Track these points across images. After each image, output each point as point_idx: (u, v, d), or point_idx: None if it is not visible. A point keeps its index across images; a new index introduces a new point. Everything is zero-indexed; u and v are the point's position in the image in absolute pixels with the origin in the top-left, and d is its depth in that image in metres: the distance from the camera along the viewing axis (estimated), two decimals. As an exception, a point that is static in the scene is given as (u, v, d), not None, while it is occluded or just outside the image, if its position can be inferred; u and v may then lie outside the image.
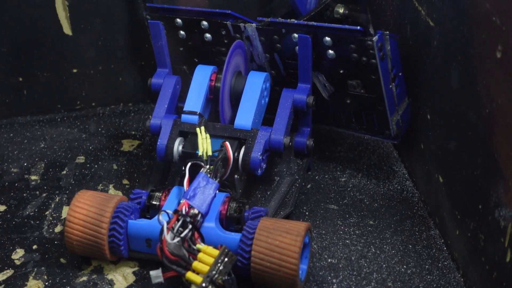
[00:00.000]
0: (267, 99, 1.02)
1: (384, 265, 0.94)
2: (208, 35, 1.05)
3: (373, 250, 0.96)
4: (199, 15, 1.03)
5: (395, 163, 1.11)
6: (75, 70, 1.21)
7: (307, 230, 0.88)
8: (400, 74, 1.02)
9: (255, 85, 0.99)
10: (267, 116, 1.01)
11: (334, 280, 0.92)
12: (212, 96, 1.00)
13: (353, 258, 0.95)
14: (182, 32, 1.06)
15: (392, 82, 1.01)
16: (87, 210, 0.90)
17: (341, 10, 1.06)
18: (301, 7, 1.09)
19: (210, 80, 1.00)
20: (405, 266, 0.94)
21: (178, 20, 1.05)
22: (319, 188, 1.07)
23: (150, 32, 1.04)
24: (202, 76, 1.00)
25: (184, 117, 0.98)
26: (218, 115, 1.00)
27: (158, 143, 0.97)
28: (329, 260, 0.95)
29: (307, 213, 1.02)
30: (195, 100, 0.99)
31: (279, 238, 0.86)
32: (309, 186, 1.07)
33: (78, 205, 0.91)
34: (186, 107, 0.99)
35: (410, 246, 0.97)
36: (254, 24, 1.01)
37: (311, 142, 1.03)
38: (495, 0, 0.79)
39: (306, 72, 0.99)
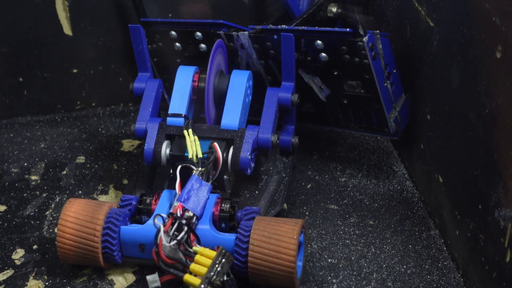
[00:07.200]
0: (250, 97, 1.01)
1: (384, 265, 0.94)
2: (203, 46, 1.05)
3: (373, 250, 0.96)
4: (192, 26, 1.04)
5: (395, 163, 1.11)
6: (75, 70, 1.21)
7: (301, 227, 0.88)
8: (395, 71, 1.02)
9: (239, 84, 0.99)
10: (251, 119, 1.01)
11: (334, 280, 0.92)
12: (196, 96, 1.00)
13: (353, 258, 0.95)
14: (177, 44, 1.06)
15: (387, 80, 1.01)
16: (78, 219, 0.90)
17: (334, 9, 1.06)
18: (295, 8, 1.09)
19: (193, 80, 1.00)
20: (405, 266, 0.94)
21: (173, 33, 1.05)
22: (319, 188, 1.07)
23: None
24: (184, 77, 1.00)
25: (169, 120, 0.98)
26: (202, 115, 1.00)
27: (145, 148, 0.97)
28: (329, 260, 0.95)
29: (307, 213, 1.02)
30: (179, 102, 0.99)
31: (274, 236, 0.86)
32: (309, 186, 1.07)
33: (69, 214, 0.90)
34: (171, 110, 0.98)
35: (410, 246, 0.97)
36: (246, 32, 1.01)
37: (296, 139, 1.03)
38: (495, 0, 0.79)
39: (290, 70, 0.99)
